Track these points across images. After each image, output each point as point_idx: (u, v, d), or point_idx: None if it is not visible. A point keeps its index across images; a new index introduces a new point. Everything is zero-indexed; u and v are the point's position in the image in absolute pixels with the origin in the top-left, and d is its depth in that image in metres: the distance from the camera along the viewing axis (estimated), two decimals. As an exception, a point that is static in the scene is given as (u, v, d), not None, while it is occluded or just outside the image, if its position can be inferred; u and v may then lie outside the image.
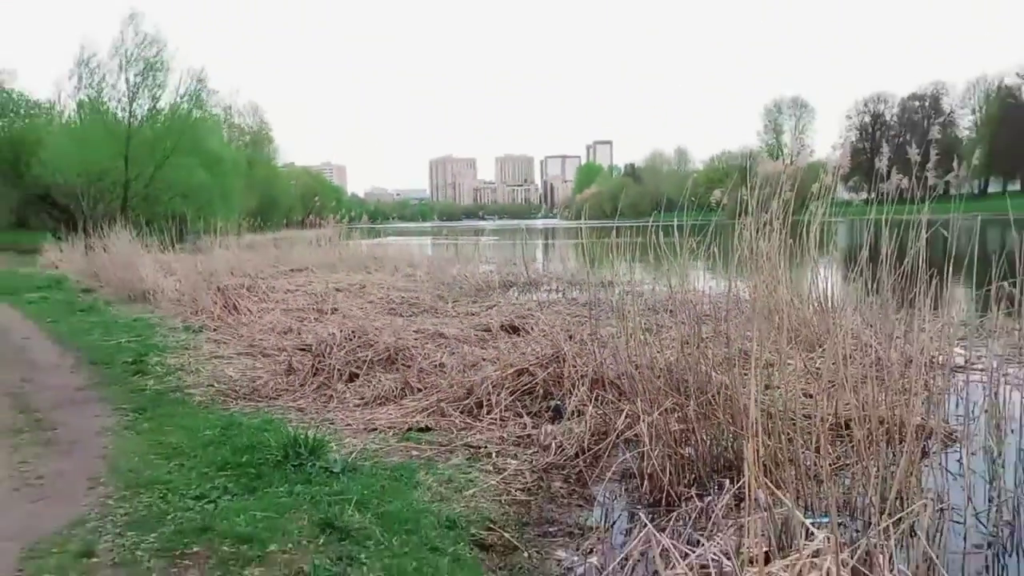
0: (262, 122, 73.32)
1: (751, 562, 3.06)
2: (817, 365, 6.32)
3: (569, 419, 5.66)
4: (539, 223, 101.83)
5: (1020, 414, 5.33)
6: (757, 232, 6.69)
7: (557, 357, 6.64)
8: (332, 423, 5.84)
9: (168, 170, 39.99)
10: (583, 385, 6.08)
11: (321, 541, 3.56)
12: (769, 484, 3.89)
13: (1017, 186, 75.25)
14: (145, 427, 5.69)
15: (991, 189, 75.47)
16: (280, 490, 4.19)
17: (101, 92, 41.34)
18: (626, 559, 3.43)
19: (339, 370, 7.12)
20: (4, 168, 41.44)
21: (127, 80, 41.42)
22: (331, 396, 6.64)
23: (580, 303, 11.26)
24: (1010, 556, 3.77)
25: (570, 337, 7.41)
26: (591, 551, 3.75)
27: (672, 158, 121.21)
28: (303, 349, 8.09)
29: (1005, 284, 5.74)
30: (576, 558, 3.67)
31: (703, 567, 3.07)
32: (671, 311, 7.61)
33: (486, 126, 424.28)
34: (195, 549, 3.46)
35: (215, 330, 10.48)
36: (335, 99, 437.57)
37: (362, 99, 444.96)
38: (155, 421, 5.82)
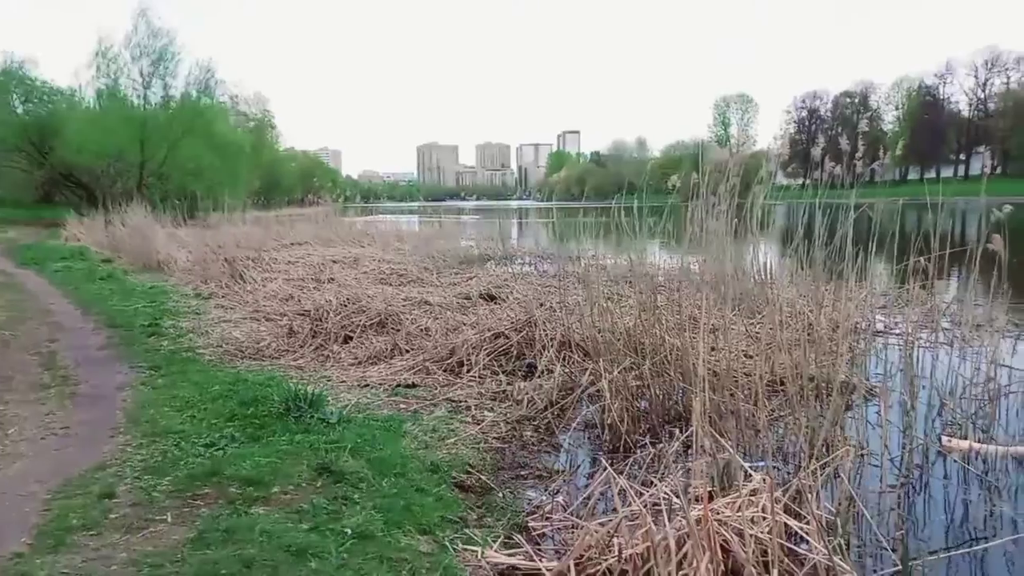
0: (265, 110, 71.47)
1: (697, 500, 3.10)
2: (757, 330, 6.38)
3: (539, 377, 5.67)
4: (514, 204, 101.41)
5: (931, 372, 5.42)
6: (706, 213, 6.69)
7: (529, 322, 6.64)
8: (329, 380, 5.81)
9: (180, 152, 39.06)
10: (552, 347, 6.09)
11: (319, 483, 3.55)
12: (714, 433, 3.94)
13: (933, 174, 76.02)
14: (160, 383, 5.62)
15: (910, 176, 76.21)
16: (282, 439, 4.15)
17: (117, 81, 40.31)
18: (588, 497, 3.46)
19: (335, 333, 7.06)
20: (30, 150, 40.27)
21: (140, 70, 40.43)
22: (328, 356, 6.59)
23: (550, 274, 11.25)
24: (918, 494, 3.87)
25: (541, 305, 7.41)
26: (558, 491, 3.78)
27: (633, 146, 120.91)
28: (302, 314, 8.01)
29: (921, 259, 5.82)
30: (544, 497, 3.69)
31: (655, 504, 3.10)
32: (630, 282, 7.62)
33: (468, 115, 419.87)
34: (205, 491, 3.43)
35: (223, 297, 10.34)
36: (332, 89, 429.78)
37: (357, 89, 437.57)
38: (169, 378, 5.74)
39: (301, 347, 6.89)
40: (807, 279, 7.04)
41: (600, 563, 2.81)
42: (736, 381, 4.91)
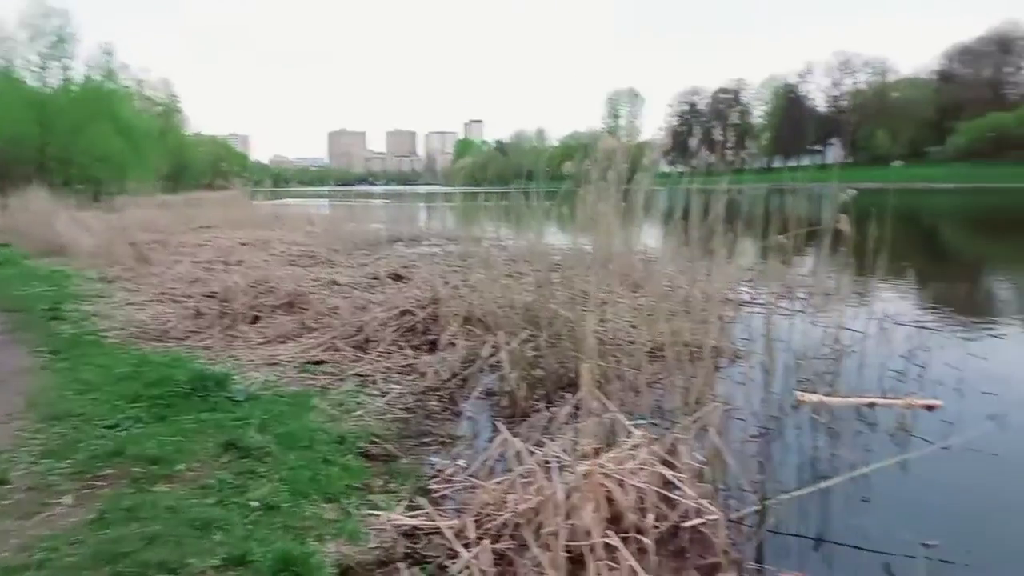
0: (172, 95, 66.95)
1: (585, 456, 3.18)
2: (640, 302, 6.58)
3: (444, 350, 5.65)
4: (422, 189, 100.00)
5: (788, 336, 5.76)
6: (597, 197, 6.82)
7: (435, 299, 6.60)
8: (237, 359, 5.56)
9: (84, 136, 36.10)
10: (456, 322, 6.07)
11: (225, 459, 3.40)
12: (601, 396, 4.05)
13: (796, 162, 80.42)
14: (61, 366, 5.21)
15: (776, 165, 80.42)
16: (188, 418, 3.95)
17: (12, 62, 36.76)
18: (487, 460, 3.49)
19: (243, 314, 6.77)
20: (-86, 132, 36.16)
21: (37, 51, 37.03)
22: (236, 336, 6.31)
23: (455, 255, 11.19)
24: (775, 442, 4.11)
25: (446, 283, 7.36)
26: (459, 455, 3.78)
27: (533, 136, 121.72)
28: (210, 296, 7.63)
29: (781, 238, 6.15)
30: (447, 461, 3.68)
31: (547, 462, 3.16)
32: (528, 261, 7.70)
33: (378, 103, 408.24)
34: (107, 472, 3.22)
35: (129, 280, 9.70)
36: (240, 75, 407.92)
37: (266, 76, 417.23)
38: (71, 361, 5.34)
39: (208, 328, 6.56)
40: (684, 256, 7.33)
41: (496, 518, 2.84)
42: (621, 349, 5.07)
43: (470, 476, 3.34)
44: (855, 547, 2.97)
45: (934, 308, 8.04)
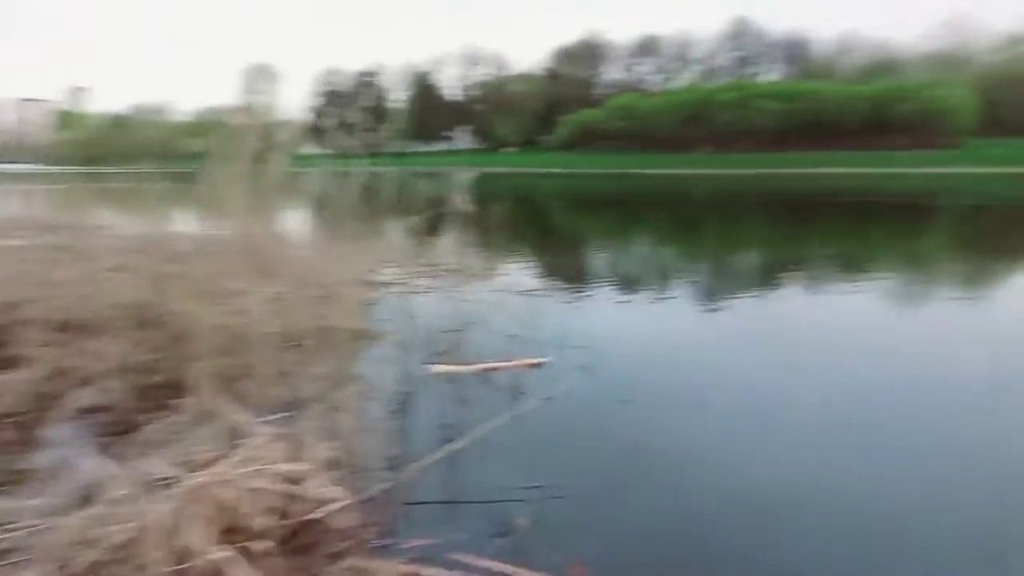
0: None
1: (200, 467, 2.88)
2: (277, 290, 6.28)
3: (22, 366, 4.60)
4: (9, 167, 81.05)
5: (423, 313, 6.08)
6: (230, 179, 6.27)
7: (8, 304, 5.34)
8: None
9: None
10: (40, 330, 5.00)
11: None
12: (225, 396, 3.74)
13: (429, 147, 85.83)
14: None
15: (414, 149, 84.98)
16: None
17: None
18: (73, 491, 2.92)
19: None
20: None
21: None
22: None
23: (46, 248, 9.29)
24: (410, 416, 4.26)
25: (31, 282, 6.03)
26: (37, 493, 3.08)
27: (157, 109, 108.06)
28: None
29: (414, 219, 6.42)
30: (18, 503, 2.96)
31: (152, 481, 2.77)
32: (145, 251, 6.79)
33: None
34: None
35: None
36: None
37: None
38: None
39: None
40: (325, 240, 7.21)
41: (82, 560, 2.38)
42: (255, 342, 4.74)
43: (48, 516, 2.74)
44: (478, 502, 3.22)
45: (544, 277, 9.28)
